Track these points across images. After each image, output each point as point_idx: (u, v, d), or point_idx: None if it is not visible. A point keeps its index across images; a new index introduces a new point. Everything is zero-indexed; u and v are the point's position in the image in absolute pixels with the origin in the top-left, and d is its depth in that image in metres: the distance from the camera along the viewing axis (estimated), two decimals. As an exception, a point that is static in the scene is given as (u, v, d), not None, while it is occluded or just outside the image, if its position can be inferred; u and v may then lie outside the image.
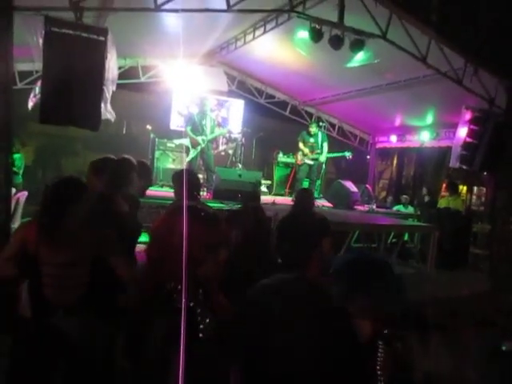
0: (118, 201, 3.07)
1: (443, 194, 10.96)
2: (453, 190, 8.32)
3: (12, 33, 3.82)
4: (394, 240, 7.01)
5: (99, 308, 2.31)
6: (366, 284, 1.45)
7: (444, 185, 9.95)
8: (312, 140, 8.53)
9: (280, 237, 1.96)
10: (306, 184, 8.99)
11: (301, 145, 8.58)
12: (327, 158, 8.98)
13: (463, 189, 11.81)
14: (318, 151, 8.50)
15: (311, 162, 8.54)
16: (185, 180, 3.73)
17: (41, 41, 4.06)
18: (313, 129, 8.60)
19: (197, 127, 7.57)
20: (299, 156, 8.62)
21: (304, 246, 1.90)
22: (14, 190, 5.65)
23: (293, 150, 9.39)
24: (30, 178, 9.14)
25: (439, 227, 6.32)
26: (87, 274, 2.36)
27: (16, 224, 5.85)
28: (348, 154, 9.04)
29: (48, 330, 2.24)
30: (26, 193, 6.16)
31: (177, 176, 4.04)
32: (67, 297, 2.31)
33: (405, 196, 10.37)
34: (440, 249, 6.26)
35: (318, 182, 9.89)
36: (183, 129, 8.77)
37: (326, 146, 8.55)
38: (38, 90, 5.82)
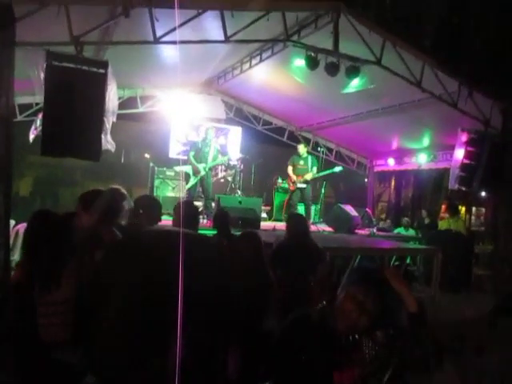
0: (109, 233, 3.03)
1: (442, 215, 10.95)
2: (453, 211, 8.30)
3: (13, 67, 3.86)
4: (396, 263, 6.96)
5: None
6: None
7: (443, 206, 9.96)
8: (302, 162, 8.39)
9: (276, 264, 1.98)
10: (301, 208, 8.95)
11: (290, 170, 8.43)
12: (322, 179, 8.92)
13: (462, 209, 11.81)
14: (304, 173, 8.37)
15: (303, 186, 8.37)
16: (182, 212, 3.71)
17: (42, 74, 4.12)
18: (301, 149, 8.47)
19: (199, 154, 7.63)
20: (291, 183, 8.50)
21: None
22: (13, 222, 5.62)
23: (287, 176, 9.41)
24: (28, 209, 9.12)
25: (441, 249, 6.29)
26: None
27: (16, 256, 5.79)
28: (338, 170, 8.80)
29: (47, 366, 2.20)
30: (25, 224, 6.12)
31: (177, 207, 4.02)
32: (60, 333, 2.27)
33: (406, 219, 10.35)
34: (443, 271, 6.21)
35: (318, 207, 9.88)
36: (183, 157, 8.83)
37: (315, 169, 8.42)
38: (39, 122, 5.87)
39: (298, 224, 4.40)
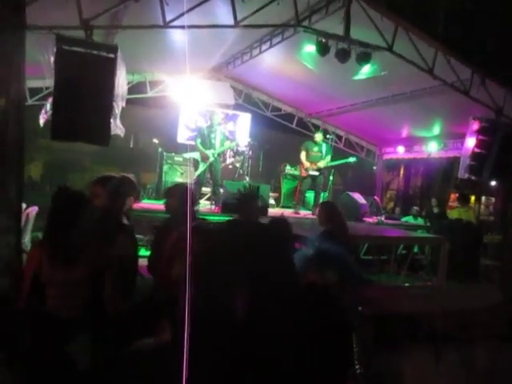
0: (121, 217, 3.14)
1: (451, 204, 10.88)
2: (464, 201, 8.25)
3: (24, 51, 3.87)
4: (403, 252, 6.95)
5: (99, 321, 2.33)
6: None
7: (453, 195, 9.89)
8: (316, 149, 8.30)
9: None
10: (310, 196, 8.92)
11: (303, 155, 8.31)
12: (332, 167, 8.89)
13: (471, 199, 11.73)
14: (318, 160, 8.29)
15: (316, 173, 8.32)
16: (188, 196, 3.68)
17: (52, 58, 4.13)
18: (318, 137, 8.38)
19: (205, 141, 7.61)
20: (303, 170, 8.39)
21: None
22: (24, 206, 5.69)
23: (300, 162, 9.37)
24: (38, 193, 9.21)
25: (451, 239, 6.26)
26: (89, 290, 2.36)
27: (26, 239, 5.88)
28: (352, 160, 8.79)
29: (49, 342, 2.25)
30: (36, 208, 6.19)
31: (171, 190, 3.94)
32: (69, 311, 2.32)
33: (416, 208, 10.31)
34: (451, 260, 6.19)
35: (326, 194, 9.85)
36: (191, 142, 8.82)
37: (328, 158, 8.36)
38: (49, 106, 5.89)
39: (327, 211, 4.45)
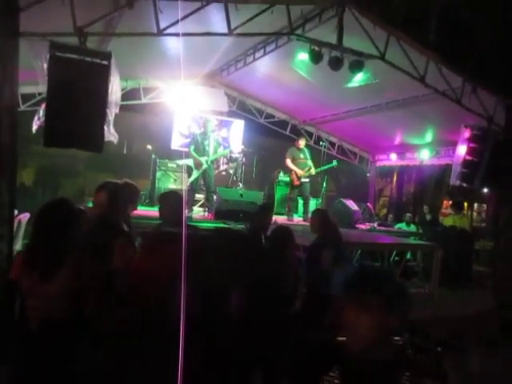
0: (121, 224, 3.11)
1: (445, 211, 10.95)
2: (458, 208, 8.31)
3: (18, 58, 3.88)
4: (396, 258, 6.98)
5: (83, 332, 2.27)
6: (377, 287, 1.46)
7: (445, 202, 9.94)
8: (302, 156, 8.26)
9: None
10: (300, 203, 8.91)
11: (288, 162, 8.24)
12: (323, 173, 8.95)
13: (465, 206, 11.81)
14: (309, 167, 8.25)
15: (307, 180, 8.27)
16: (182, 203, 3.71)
17: (45, 65, 4.13)
18: (302, 144, 8.32)
19: (199, 147, 7.59)
20: (295, 178, 8.27)
21: None
22: (16, 212, 5.64)
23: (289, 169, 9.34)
24: (30, 199, 9.15)
25: (444, 246, 6.29)
26: (73, 304, 2.26)
27: (17, 246, 5.83)
28: (335, 164, 8.77)
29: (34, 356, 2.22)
30: (28, 214, 6.15)
31: (164, 197, 3.95)
32: (50, 321, 2.23)
33: (408, 214, 10.37)
34: (444, 267, 6.22)
35: (319, 201, 9.87)
36: (185, 149, 8.81)
37: (310, 162, 8.32)
38: (42, 112, 5.87)
39: (320, 218, 4.51)
